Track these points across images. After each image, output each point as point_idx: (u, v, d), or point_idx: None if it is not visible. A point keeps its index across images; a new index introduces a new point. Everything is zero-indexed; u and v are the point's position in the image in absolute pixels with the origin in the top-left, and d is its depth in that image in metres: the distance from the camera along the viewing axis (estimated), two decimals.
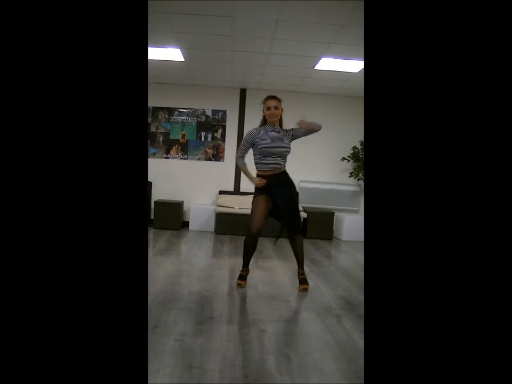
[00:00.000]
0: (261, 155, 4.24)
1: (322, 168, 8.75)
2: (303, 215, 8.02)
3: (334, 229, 8.33)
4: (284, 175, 4.35)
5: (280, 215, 4.36)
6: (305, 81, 7.63)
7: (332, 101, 8.60)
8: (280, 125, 4.37)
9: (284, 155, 4.28)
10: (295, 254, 4.52)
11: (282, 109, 4.31)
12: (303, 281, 4.50)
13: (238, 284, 4.42)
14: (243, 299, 4.06)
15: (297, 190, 8.45)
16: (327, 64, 6.46)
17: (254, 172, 4.38)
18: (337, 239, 8.23)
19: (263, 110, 4.30)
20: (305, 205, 8.43)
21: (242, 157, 4.40)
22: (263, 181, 4.19)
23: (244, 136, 4.49)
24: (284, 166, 4.34)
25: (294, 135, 4.34)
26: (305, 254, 6.43)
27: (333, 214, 8.27)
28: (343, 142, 8.43)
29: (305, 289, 4.42)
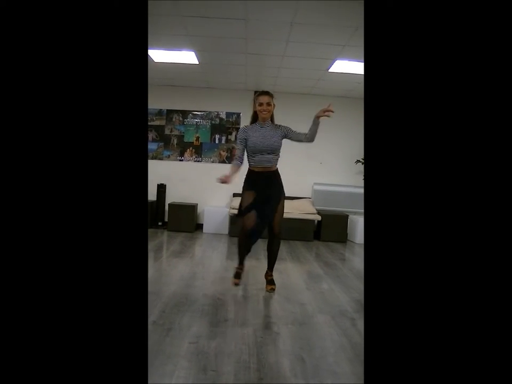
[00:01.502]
0: (252, 152, 4.20)
1: (336, 170, 8.72)
2: (317, 217, 7.99)
3: (348, 231, 8.30)
4: (275, 175, 4.31)
5: (261, 214, 4.27)
6: (319, 83, 7.61)
7: (347, 103, 8.56)
8: (272, 121, 4.32)
9: (274, 151, 4.21)
10: (268, 254, 4.54)
11: (274, 105, 4.24)
12: (270, 282, 4.51)
13: (236, 284, 4.48)
14: (257, 302, 4.05)
15: (311, 192, 8.51)
16: (341, 66, 6.45)
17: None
18: (352, 241, 8.20)
19: (255, 105, 4.24)
20: (319, 208, 8.41)
21: (239, 158, 4.24)
22: (225, 178, 3.99)
23: (236, 139, 4.35)
24: (275, 165, 4.29)
25: (287, 134, 4.25)
26: (320, 257, 6.46)
27: (347, 216, 8.24)
28: (357, 144, 8.39)
29: (273, 290, 4.42)
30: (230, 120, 8.72)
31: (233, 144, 8.72)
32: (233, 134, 8.71)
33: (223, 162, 8.77)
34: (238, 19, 4.84)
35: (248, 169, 4.34)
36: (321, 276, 5.27)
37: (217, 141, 8.78)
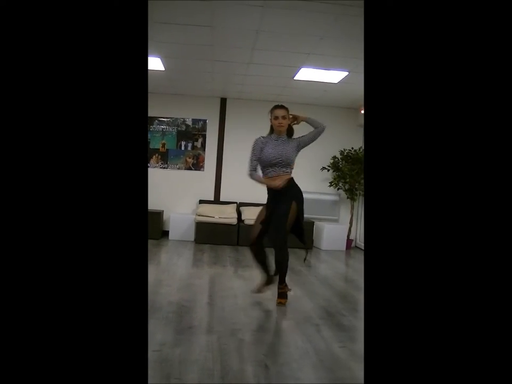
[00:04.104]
0: (264, 166, 4.17)
1: (302, 177, 8.65)
2: None
3: (313, 238, 8.34)
4: (292, 181, 4.26)
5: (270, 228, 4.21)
6: (285, 91, 7.66)
7: (312, 111, 8.52)
8: (290, 134, 4.29)
9: (285, 164, 4.15)
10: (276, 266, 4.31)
11: (290, 118, 4.23)
12: (281, 295, 4.33)
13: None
14: (222, 309, 4.04)
15: None
16: (306, 74, 6.51)
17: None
18: (317, 248, 8.25)
19: (271, 119, 4.21)
20: None
21: (255, 170, 4.22)
22: (281, 182, 4.05)
23: (252, 148, 4.24)
24: (290, 173, 4.25)
25: (300, 143, 4.25)
26: None
27: (312, 223, 8.28)
28: (323, 151, 8.46)
29: (282, 304, 4.27)
30: (196, 127, 8.70)
31: (200, 151, 8.71)
32: (200, 140, 8.70)
33: (189, 169, 8.75)
34: (204, 26, 4.84)
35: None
36: (287, 282, 5.28)
37: (183, 148, 8.75)
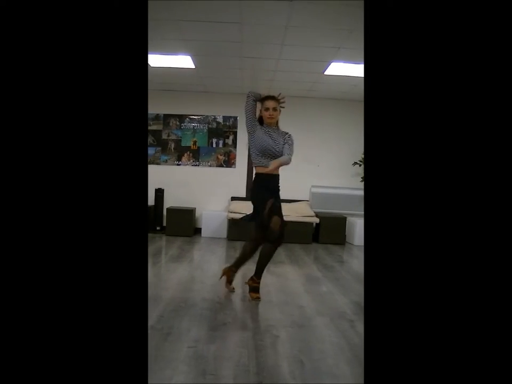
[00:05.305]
0: (258, 152, 4.10)
1: (333, 173, 8.72)
2: (315, 220, 8.00)
3: (346, 233, 8.30)
4: (278, 179, 4.20)
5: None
6: (315, 86, 7.62)
7: (343, 106, 8.58)
8: (277, 125, 4.23)
9: (279, 155, 4.06)
10: (258, 259, 4.27)
11: (280, 110, 4.18)
12: (254, 289, 4.29)
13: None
14: (256, 305, 4.05)
15: (309, 195, 8.54)
16: (337, 68, 6.45)
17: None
18: (350, 243, 8.20)
19: (261, 110, 4.15)
20: (317, 210, 8.41)
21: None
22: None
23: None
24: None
25: (286, 142, 4.13)
26: (318, 259, 6.45)
27: (345, 218, 8.24)
28: (354, 146, 8.39)
29: (258, 298, 4.21)
30: (227, 124, 8.72)
31: (231, 148, 8.73)
32: (230, 137, 8.72)
33: (221, 166, 8.78)
34: (233, 23, 4.85)
35: (256, 172, 4.18)
36: (320, 278, 5.27)
37: (214, 145, 8.77)
